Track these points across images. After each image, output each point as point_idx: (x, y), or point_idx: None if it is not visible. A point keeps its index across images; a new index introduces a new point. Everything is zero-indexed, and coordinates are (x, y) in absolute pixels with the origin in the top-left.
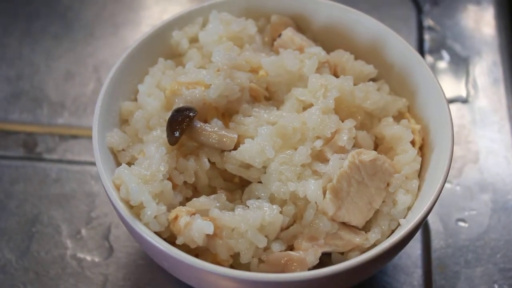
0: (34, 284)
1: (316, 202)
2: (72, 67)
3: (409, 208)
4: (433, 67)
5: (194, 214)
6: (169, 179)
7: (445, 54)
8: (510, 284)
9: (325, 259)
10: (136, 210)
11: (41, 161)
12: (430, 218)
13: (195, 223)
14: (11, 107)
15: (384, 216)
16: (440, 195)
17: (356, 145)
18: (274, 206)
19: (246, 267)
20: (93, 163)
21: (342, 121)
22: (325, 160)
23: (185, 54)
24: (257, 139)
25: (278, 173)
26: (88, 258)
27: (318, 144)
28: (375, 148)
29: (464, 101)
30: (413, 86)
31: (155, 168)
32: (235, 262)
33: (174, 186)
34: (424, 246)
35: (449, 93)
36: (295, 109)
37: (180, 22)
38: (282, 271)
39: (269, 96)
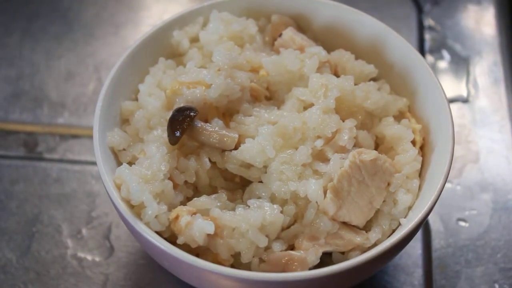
0: (35, 284)
1: (316, 202)
2: (73, 67)
3: (409, 208)
4: (433, 67)
5: (195, 213)
6: (170, 178)
7: (445, 53)
8: (511, 284)
9: (326, 259)
10: (137, 209)
11: (42, 160)
12: (430, 218)
13: (196, 223)
14: (12, 107)
15: (385, 215)
16: (441, 195)
17: (356, 145)
18: (275, 206)
19: (247, 267)
20: (93, 163)
21: (343, 121)
22: (325, 160)
23: (186, 53)
24: (258, 139)
25: (279, 172)
26: (89, 257)
27: (319, 143)
28: (376, 148)
29: (465, 100)
30: (413, 85)
31: (156, 168)
32: (236, 262)
33: (175, 186)
34: (424, 246)
35: (450, 92)
36: (295, 109)
37: (180, 21)
38: (283, 270)
39: (269, 95)
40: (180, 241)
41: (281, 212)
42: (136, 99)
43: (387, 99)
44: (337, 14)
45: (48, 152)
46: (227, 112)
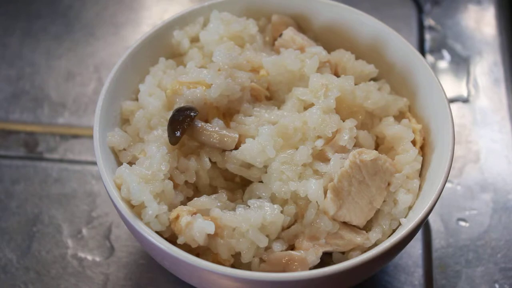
0: (35, 284)
1: (317, 202)
2: (73, 67)
3: (410, 208)
4: (434, 67)
5: (195, 213)
6: (170, 178)
7: (446, 53)
8: (511, 284)
9: (326, 259)
10: (137, 209)
11: (42, 160)
12: (431, 218)
13: (196, 223)
14: (12, 107)
15: (385, 215)
16: (441, 195)
17: (357, 145)
18: (275, 206)
19: (247, 267)
20: (94, 163)
21: (343, 121)
22: (326, 160)
23: (186, 53)
24: (258, 139)
25: (279, 172)
26: (89, 257)
27: (319, 143)
28: (376, 148)
29: (465, 100)
30: (414, 85)
31: (156, 168)
32: (236, 262)
33: (175, 186)
34: (425, 246)
35: (450, 92)
36: (296, 109)
37: (181, 21)
38: (283, 270)
39: (270, 95)
40: (180, 241)
41: (281, 212)
42: (137, 99)
43: (387, 99)
44: (337, 14)
45: (49, 152)
46: (228, 112)
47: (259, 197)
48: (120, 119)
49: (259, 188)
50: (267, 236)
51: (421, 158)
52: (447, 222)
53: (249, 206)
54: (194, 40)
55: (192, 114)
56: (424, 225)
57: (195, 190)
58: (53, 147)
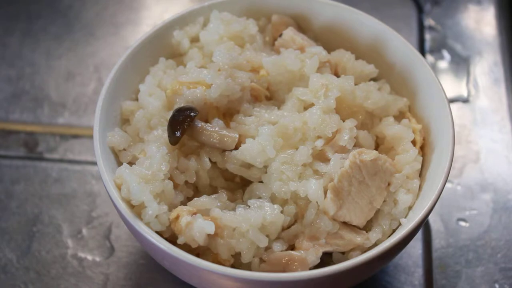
0: (35, 284)
1: (317, 202)
2: (73, 67)
3: (410, 208)
4: (434, 67)
5: (195, 213)
6: (170, 178)
7: (446, 53)
8: (511, 284)
9: (326, 259)
10: (137, 209)
11: (42, 160)
12: (431, 218)
13: (196, 223)
14: (12, 107)
15: (385, 215)
16: (441, 195)
17: (357, 145)
18: (275, 206)
19: (247, 267)
20: (94, 163)
21: (343, 121)
22: (326, 160)
23: (186, 53)
24: (258, 139)
25: (279, 172)
26: (89, 257)
27: (319, 143)
28: (376, 148)
29: (465, 100)
30: (414, 85)
31: (156, 168)
32: (236, 262)
33: (175, 186)
34: (425, 246)
35: (450, 92)
36: (296, 109)
37: (181, 21)
38: (283, 270)
39: (270, 95)
40: (180, 241)
41: (282, 212)
42: (137, 99)
43: (387, 99)
44: (337, 14)
45: (49, 152)
46: (228, 112)
47: (259, 197)
48: (120, 119)
49: (259, 188)
50: (267, 236)
51: (421, 158)
52: (447, 222)
53: (249, 206)
54: (194, 40)
55: (192, 114)
56: (424, 225)
57: (195, 190)
58: (53, 147)
